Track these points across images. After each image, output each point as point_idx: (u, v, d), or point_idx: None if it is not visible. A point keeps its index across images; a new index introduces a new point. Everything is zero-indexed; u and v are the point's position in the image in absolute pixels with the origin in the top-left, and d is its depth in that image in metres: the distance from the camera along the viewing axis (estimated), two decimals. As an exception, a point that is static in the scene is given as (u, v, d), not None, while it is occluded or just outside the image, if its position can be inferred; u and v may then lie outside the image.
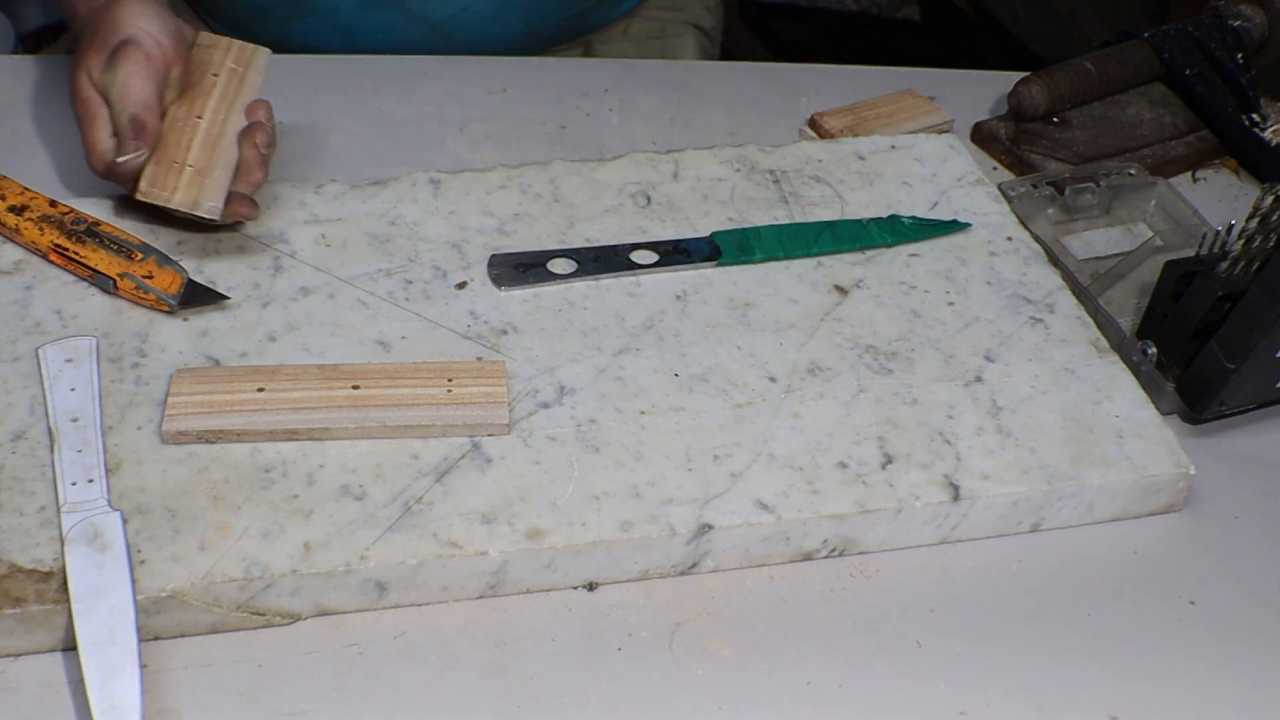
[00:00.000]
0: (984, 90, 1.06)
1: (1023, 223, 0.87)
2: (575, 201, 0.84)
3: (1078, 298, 0.81)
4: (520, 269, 0.78)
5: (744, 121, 1.00)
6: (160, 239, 0.77)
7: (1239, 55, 1.02)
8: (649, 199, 0.85)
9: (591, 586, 0.65)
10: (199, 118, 0.77)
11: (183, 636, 0.61)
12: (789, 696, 0.61)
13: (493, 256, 0.79)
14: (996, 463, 0.69)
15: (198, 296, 0.73)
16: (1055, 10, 1.77)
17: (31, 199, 0.77)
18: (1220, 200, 0.98)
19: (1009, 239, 0.85)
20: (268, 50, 0.83)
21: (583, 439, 0.68)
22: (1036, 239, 0.86)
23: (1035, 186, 0.91)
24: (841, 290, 0.80)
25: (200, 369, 0.70)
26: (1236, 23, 1.03)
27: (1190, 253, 0.79)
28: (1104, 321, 0.80)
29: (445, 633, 0.62)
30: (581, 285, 0.78)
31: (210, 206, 0.74)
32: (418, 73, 1.00)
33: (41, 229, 0.75)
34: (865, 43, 2.19)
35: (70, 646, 0.59)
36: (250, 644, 0.61)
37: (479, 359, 0.73)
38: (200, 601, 0.60)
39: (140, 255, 0.74)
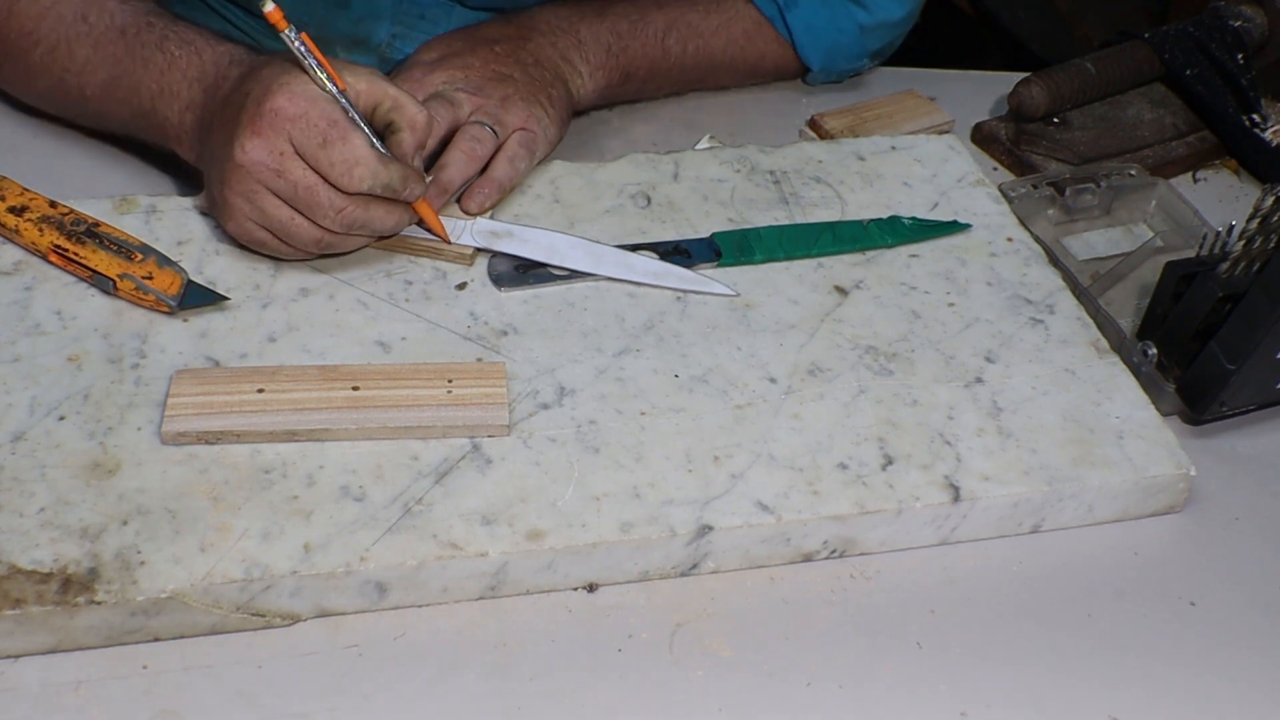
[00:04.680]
0: (984, 90, 1.06)
1: (1023, 223, 0.87)
2: (575, 202, 0.84)
3: (1078, 298, 0.81)
4: (520, 270, 0.78)
5: (744, 121, 1.00)
6: (160, 239, 0.77)
7: (1239, 55, 1.02)
8: (649, 200, 0.85)
9: (591, 587, 0.65)
10: None
11: (183, 638, 0.61)
12: (789, 697, 0.61)
13: (492, 257, 0.79)
14: (997, 464, 0.69)
15: (198, 297, 0.73)
16: (1055, 10, 1.76)
17: (31, 199, 0.76)
18: (1221, 201, 0.98)
19: (1009, 240, 0.85)
20: None
21: (583, 440, 0.68)
22: (1037, 240, 0.86)
23: (1035, 187, 0.91)
24: (842, 291, 0.80)
25: (200, 370, 0.69)
26: (1236, 23, 1.03)
27: (1191, 253, 0.79)
28: (1104, 322, 0.80)
29: (445, 634, 0.62)
30: (581, 286, 0.78)
31: None
32: (418, 73, 1.00)
33: (41, 230, 0.75)
34: (865, 43, 2.18)
35: (70, 647, 0.59)
36: (250, 645, 0.61)
37: (479, 360, 0.72)
38: (200, 603, 0.60)
39: (140, 256, 0.74)
